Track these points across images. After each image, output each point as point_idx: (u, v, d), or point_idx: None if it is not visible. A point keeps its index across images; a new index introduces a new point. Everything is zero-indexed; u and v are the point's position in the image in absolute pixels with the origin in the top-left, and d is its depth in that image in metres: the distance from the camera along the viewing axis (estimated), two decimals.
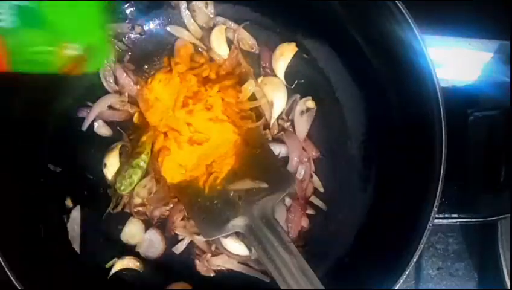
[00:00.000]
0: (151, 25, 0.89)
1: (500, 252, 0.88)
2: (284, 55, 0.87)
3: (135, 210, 0.84)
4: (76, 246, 0.83)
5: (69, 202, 0.85)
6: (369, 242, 0.82)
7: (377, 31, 0.76)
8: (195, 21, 0.87)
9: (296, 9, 0.84)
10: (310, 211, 0.87)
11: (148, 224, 0.86)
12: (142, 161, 0.82)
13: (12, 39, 0.58)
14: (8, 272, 0.67)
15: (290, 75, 0.88)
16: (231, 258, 0.85)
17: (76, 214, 0.84)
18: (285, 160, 0.86)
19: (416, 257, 0.69)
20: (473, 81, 0.94)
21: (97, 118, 0.86)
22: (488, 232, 0.91)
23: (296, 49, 0.88)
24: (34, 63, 0.61)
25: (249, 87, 0.85)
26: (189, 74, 0.84)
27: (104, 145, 0.86)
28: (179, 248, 0.86)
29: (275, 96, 0.87)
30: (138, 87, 0.85)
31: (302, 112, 0.87)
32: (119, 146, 0.85)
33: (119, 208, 0.85)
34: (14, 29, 0.57)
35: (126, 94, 0.86)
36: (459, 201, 0.79)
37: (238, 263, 0.85)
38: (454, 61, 0.93)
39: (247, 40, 0.88)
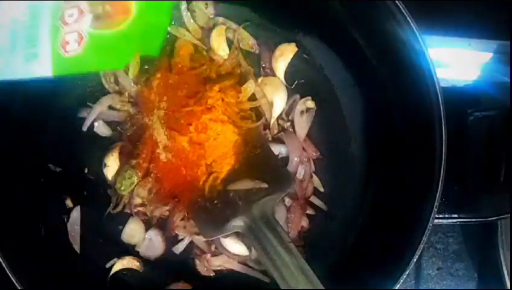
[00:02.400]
0: None
1: (500, 252, 0.88)
2: (284, 55, 0.87)
3: (135, 210, 0.84)
4: (76, 246, 0.83)
5: (69, 202, 0.85)
6: (369, 242, 0.82)
7: (377, 31, 0.76)
8: (195, 21, 0.87)
9: (296, 10, 0.84)
10: (310, 211, 0.87)
11: (148, 224, 0.86)
12: (143, 161, 0.83)
13: None
14: (8, 272, 0.67)
15: (290, 75, 0.88)
16: (231, 258, 0.85)
17: (76, 214, 0.84)
18: (285, 160, 0.86)
19: (416, 257, 0.69)
20: (473, 81, 0.95)
21: (97, 118, 0.86)
22: (488, 232, 0.91)
23: (296, 49, 0.88)
24: None
25: (249, 87, 0.85)
26: (189, 74, 0.84)
27: (104, 145, 0.86)
28: (179, 248, 0.86)
29: (275, 96, 0.87)
30: (138, 87, 0.85)
31: (302, 112, 0.87)
32: (119, 146, 0.85)
33: (119, 208, 0.85)
34: None
35: (126, 94, 0.86)
36: (459, 201, 0.79)
37: (238, 263, 0.85)
38: (454, 61, 0.93)
39: (247, 40, 0.88)
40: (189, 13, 0.87)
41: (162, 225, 0.86)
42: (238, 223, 0.76)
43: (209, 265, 0.85)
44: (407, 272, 0.69)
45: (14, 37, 0.63)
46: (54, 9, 0.63)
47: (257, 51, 0.89)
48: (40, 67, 0.64)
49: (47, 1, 0.62)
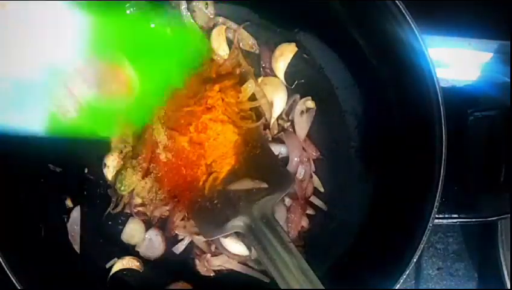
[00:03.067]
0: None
1: (500, 252, 0.88)
2: (284, 55, 0.87)
3: (135, 210, 0.84)
4: (76, 246, 0.83)
5: (69, 202, 0.85)
6: (369, 242, 0.82)
7: (377, 31, 0.76)
8: (195, 21, 0.87)
9: (296, 10, 0.84)
10: (310, 211, 0.87)
11: (148, 224, 0.86)
12: (143, 161, 0.82)
13: None
14: (8, 272, 0.67)
15: (290, 75, 0.88)
16: (231, 258, 0.85)
17: (76, 214, 0.84)
18: (285, 160, 0.86)
19: (416, 257, 0.69)
20: (473, 81, 0.94)
21: None
22: (488, 232, 0.91)
23: (296, 49, 0.88)
24: None
25: (249, 87, 0.85)
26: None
27: (104, 145, 0.86)
28: (179, 248, 0.86)
29: (275, 96, 0.87)
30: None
31: (302, 112, 0.87)
32: (119, 146, 0.85)
33: (119, 208, 0.85)
34: None
35: None
36: (459, 201, 0.79)
37: (238, 263, 0.85)
38: (454, 61, 0.93)
39: (247, 40, 0.88)
40: (189, 13, 0.87)
41: (162, 225, 0.86)
42: (238, 223, 0.76)
43: (209, 265, 0.85)
44: (407, 272, 0.69)
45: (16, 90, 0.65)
46: (60, 73, 0.65)
47: (257, 51, 0.89)
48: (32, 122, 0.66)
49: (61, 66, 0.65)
